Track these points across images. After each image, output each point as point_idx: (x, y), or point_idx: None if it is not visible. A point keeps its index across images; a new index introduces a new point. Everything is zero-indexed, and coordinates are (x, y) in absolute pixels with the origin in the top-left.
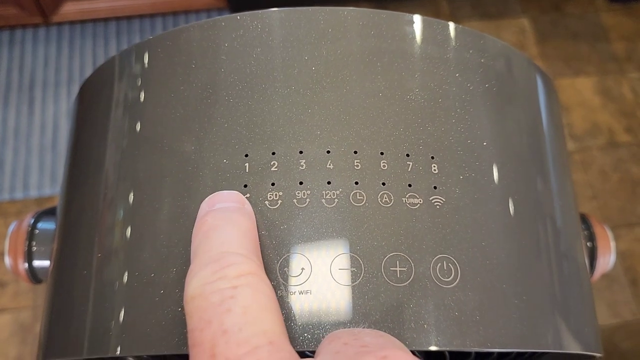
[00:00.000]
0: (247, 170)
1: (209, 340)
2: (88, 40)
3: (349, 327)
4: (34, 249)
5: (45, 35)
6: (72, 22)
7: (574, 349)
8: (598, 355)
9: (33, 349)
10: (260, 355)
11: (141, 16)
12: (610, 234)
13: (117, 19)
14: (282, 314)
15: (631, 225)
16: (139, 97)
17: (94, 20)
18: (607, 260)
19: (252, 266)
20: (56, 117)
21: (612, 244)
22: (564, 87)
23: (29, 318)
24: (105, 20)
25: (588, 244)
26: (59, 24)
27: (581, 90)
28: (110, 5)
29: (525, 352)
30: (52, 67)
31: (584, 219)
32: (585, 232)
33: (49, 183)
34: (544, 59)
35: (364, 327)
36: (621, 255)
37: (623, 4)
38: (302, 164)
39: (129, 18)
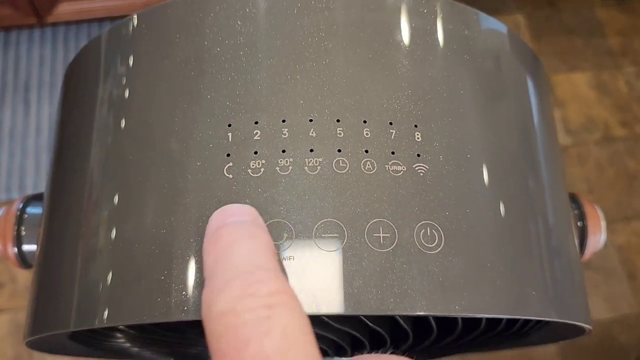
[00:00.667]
0: (230, 140)
1: None
2: (83, 40)
3: (343, 291)
4: (23, 233)
5: (40, 36)
6: (67, 23)
7: (563, 317)
8: (588, 327)
9: (31, 350)
10: None
11: None
12: (600, 213)
13: (112, 18)
14: None
15: (628, 218)
16: (124, 74)
17: (89, 21)
18: (597, 239)
19: (283, 283)
20: (52, 118)
21: (603, 223)
22: (560, 82)
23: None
24: (100, 20)
25: (578, 223)
26: (54, 24)
27: (576, 85)
28: (105, 5)
29: (514, 325)
30: (48, 67)
31: (574, 199)
32: (576, 212)
33: (45, 183)
34: (539, 54)
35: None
36: (618, 248)
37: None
38: (284, 132)
39: (123, 18)
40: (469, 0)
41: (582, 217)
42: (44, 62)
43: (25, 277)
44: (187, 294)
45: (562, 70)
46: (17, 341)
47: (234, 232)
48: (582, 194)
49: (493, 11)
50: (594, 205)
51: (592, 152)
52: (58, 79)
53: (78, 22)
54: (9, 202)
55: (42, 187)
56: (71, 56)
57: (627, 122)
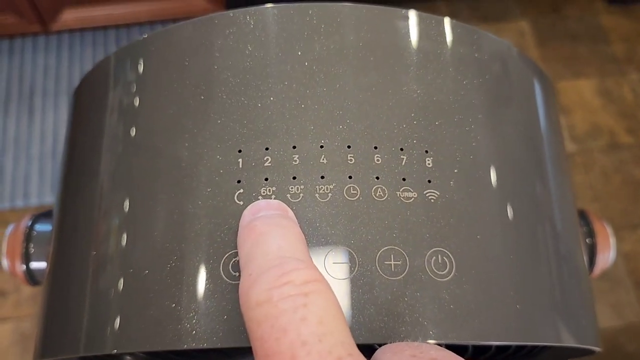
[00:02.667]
0: (240, 166)
1: (288, 350)
2: (87, 48)
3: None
4: (32, 250)
5: (44, 44)
6: (71, 30)
7: (572, 342)
8: (597, 349)
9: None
10: None
11: (140, 24)
12: (610, 230)
13: (117, 26)
14: None
15: (634, 226)
16: (133, 96)
17: (94, 29)
18: (606, 256)
19: (316, 272)
20: (56, 125)
21: (612, 240)
22: (565, 89)
23: (30, 327)
24: (105, 28)
25: (587, 240)
26: (59, 32)
27: (581, 92)
28: (110, 13)
29: (524, 347)
30: (52, 75)
31: (584, 215)
32: (585, 229)
33: (49, 191)
34: (543, 61)
35: (360, 319)
36: (625, 257)
37: (622, 6)
38: (295, 159)
39: (128, 26)
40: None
41: (591, 234)
42: (48, 70)
43: (29, 287)
44: (197, 321)
45: (566, 77)
46: (21, 350)
47: (267, 223)
48: (588, 201)
49: (497, 18)
50: (603, 222)
51: (597, 160)
52: (62, 87)
53: (82, 30)
54: (13, 210)
55: (47, 194)
56: (76, 64)
57: (633, 130)
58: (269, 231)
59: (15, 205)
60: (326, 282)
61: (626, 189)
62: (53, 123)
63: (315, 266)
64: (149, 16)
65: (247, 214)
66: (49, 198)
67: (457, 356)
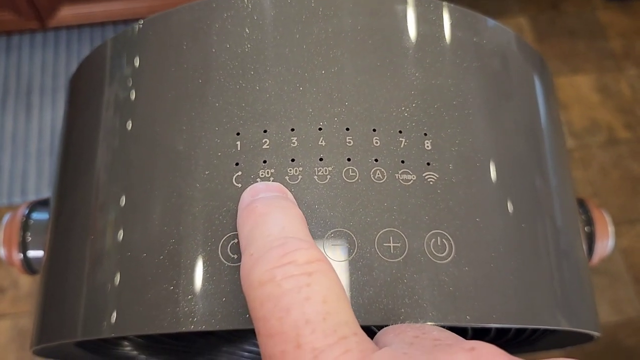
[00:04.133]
0: (238, 149)
1: (291, 329)
2: (85, 44)
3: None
4: (29, 239)
5: (42, 40)
6: (69, 27)
7: (571, 326)
8: (596, 334)
9: (32, 355)
10: (349, 346)
11: (139, 19)
12: (608, 218)
13: (114, 22)
14: None
15: (633, 222)
16: (130, 81)
17: (91, 25)
18: (605, 244)
19: (319, 252)
20: (54, 122)
21: (611, 228)
22: (563, 85)
23: (29, 323)
24: (102, 24)
25: (586, 228)
26: (56, 28)
27: (580, 87)
28: (107, 10)
29: (523, 332)
30: (50, 72)
31: (582, 204)
32: (583, 217)
33: (47, 188)
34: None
35: (360, 301)
36: (623, 252)
37: (619, 2)
38: (293, 141)
39: (125, 22)
40: (472, 4)
41: (589, 222)
42: (46, 67)
43: (27, 283)
44: (195, 304)
45: (565, 73)
46: (19, 347)
47: (267, 204)
48: (586, 197)
49: (496, 14)
50: (601, 210)
51: (596, 155)
52: (60, 83)
53: (80, 27)
54: (11, 207)
55: (44, 191)
56: (73, 60)
57: (631, 125)
58: (269, 212)
59: (13, 201)
60: (329, 262)
61: (624, 184)
62: (51, 120)
63: (317, 246)
64: (147, 12)
65: (246, 195)
66: (47, 194)
67: (459, 336)
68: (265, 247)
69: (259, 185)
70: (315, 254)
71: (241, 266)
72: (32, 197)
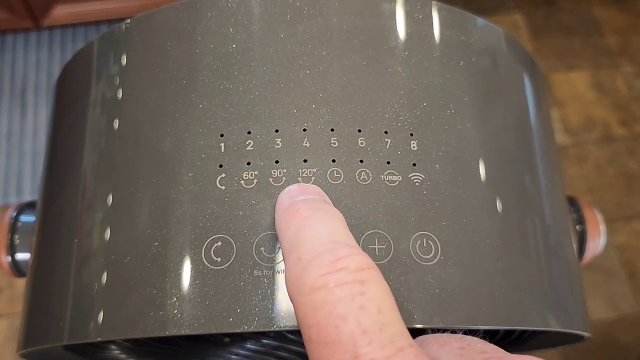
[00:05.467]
0: (222, 150)
1: (348, 339)
2: (80, 43)
3: None
4: (17, 241)
5: (36, 40)
6: (63, 26)
7: (560, 327)
8: (586, 334)
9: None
10: (406, 358)
11: None
12: (600, 217)
13: (109, 21)
14: (258, 294)
15: (628, 218)
16: (115, 82)
17: (86, 24)
18: (597, 243)
19: (369, 260)
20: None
21: (602, 227)
22: (558, 82)
23: None
24: (97, 23)
25: (577, 227)
26: (50, 27)
27: (575, 84)
28: (102, 8)
29: (512, 333)
30: (44, 71)
31: (573, 202)
32: (574, 216)
33: None
34: (537, 54)
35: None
36: (618, 249)
37: None
38: (278, 142)
39: (120, 20)
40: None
41: (581, 220)
42: (40, 66)
43: (23, 283)
44: (181, 308)
45: (560, 70)
46: (15, 347)
47: (311, 207)
48: (581, 194)
49: (491, 11)
50: (593, 208)
51: (591, 152)
52: (54, 83)
53: (74, 26)
54: (6, 207)
55: None
56: (68, 59)
57: (626, 122)
58: (314, 215)
59: (8, 201)
60: (378, 270)
61: (620, 181)
62: (46, 119)
63: (366, 253)
64: (140, 10)
65: (285, 197)
66: None
67: (503, 350)
68: (315, 251)
69: (297, 187)
70: (367, 261)
71: (287, 270)
72: (27, 197)
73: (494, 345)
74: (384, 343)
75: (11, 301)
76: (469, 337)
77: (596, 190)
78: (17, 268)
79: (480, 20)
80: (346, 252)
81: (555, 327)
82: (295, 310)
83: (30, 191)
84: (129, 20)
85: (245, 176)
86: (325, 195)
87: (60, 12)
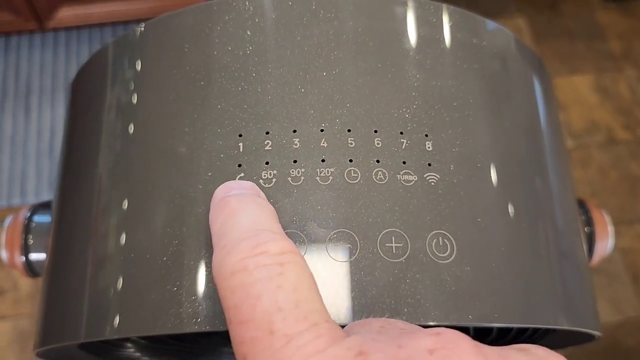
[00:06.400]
0: (241, 150)
1: (263, 316)
2: (84, 45)
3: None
4: (31, 242)
5: (41, 41)
6: (67, 28)
7: (572, 325)
8: (597, 334)
9: (33, 357)
10: (320, 332)
11: (137, 21)
12: (608, 218)
13: (113, 23)
14: None
15: (631, 222)
16: (132, 84)
17: (90, 26)
18: (605, 244)
19: (291, 244)
20: (53, 123)
21: (610, 229)
22: (561, 86)
23: (29, 325)
24: (101, 25)
25: (586, 229)
26: (55, 29)
27: (578, 88)
28: (106, 10)
29: (525, 331)
30: (49, 72)
31: (582, 204)
32: (583, 217)
33: (46, 189)
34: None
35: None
36: (622, 252)
37: (617, 3)
38: (296, 142)
39: (125, 23)
40: (470, 4)
41: (589, 222)
42: (44, 67)
43: (27, 284)
44: (199, 305)
45: (563, 74)
46: (20, 348)
47: (240, 199)
48: (585, 197)
49: (494, 14)
50: (601, 210)
51: (594, 156)
52: (59, 84)
53: (79, 27)
54: (10, 208)
55: (44, 192)
56: (72, 61)
57: (630, 126)
58: (242, 207)
59: (12, 203)
60: (300, 254)
61: (623, 184)
62: (50, 121)
63: (289, 239)
64: (146, 13)
65: (219, 192)
66: (46, 196)
67: (421, 327)
68: (237, 238)
69: (231, 183)
70: (288, 245)
71: (213, 258)
72: (31, 199)
73: (412, 325)
74: (299, 318)
75: (15, 303)
76: (392, 319)
77: (600, 194)
78: (30, 268)
79: (491, 23)
80: (268, 237)
81: (567, 326)
82: (219, 295)
83: (34, 192)
84: (144, 24)
85: (264, 175)
86: (260, 191)
87: (65, 14)
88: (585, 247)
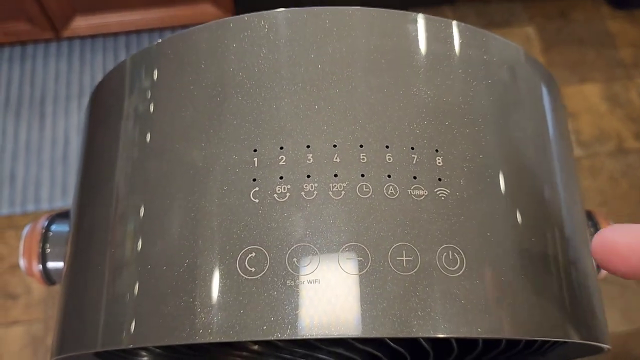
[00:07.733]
0: (255, 165)
1: None
2: (98, 54)
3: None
4: (48, 250)
5: (56, 50)
6: (82, 37)
7: (581, 338)
8: (606, 346)
9: None
10: None
11: (150, 30)
12: None
13: (127, 33)
14: (291, 303)
15: None
16: (149, 99)
17: (104, 35)
18: None
19: None
20: (67, 131)
21: None
22: (571, 94)
23: (41, 330)
24: (115, 34)
25: None
26: (70, 38)
27: (588, 96)
28: (120, 20)
29: (534, 343)
30: (63, 81)
31: (590, 216)
32: (592, 229)
33: (60, 196)
34: (550, 66)
35: (374, 314)
36: None
37: (627, 11)
38: (309, 157)
39: (138, 32)
40: (480, 14)
41: None
42: (59, 76)
43: (40, 289)
44: (214, 316)
45: (573, 82)
46: (32, 353)
47: None
48: (595, 206)
49: (504, 23)
50: (609, 222)
51: (605, 164)
52: (73, 93)
53: (93, 37)
54: (25, 215)
55: (57, 199)
56: (87, 70)
57: None
58: None
59: (26, 210)
60: None
61: (634, 193)
62: (64, 128)
63: None
64: (158, 23)
65: None
66: (60, 203)
67: None
68: None
69: None
70: None
71: None
72: (45, 206)
73: None
74: None
75: (28, 308)
76: None
77: (610, 203)
78: (47, 277)
79: (501, 39)
80: None
81: (576, 338)
82: None
83: (48, 200)
84: (161, 40)
85: (278, 190)
86: None
87: (80, 24)
88: (593, 259)
